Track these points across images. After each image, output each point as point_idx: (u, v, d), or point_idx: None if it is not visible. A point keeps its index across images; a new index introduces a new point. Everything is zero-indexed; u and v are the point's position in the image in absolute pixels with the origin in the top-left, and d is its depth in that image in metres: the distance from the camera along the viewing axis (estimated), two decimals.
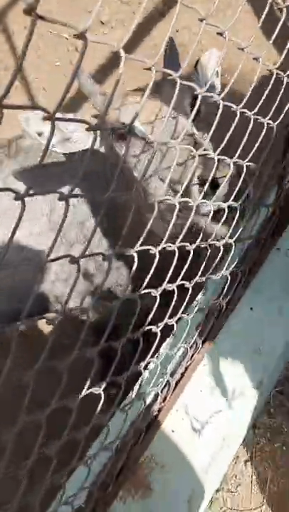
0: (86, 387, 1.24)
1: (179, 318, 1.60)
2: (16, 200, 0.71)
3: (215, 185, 1.40)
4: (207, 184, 1.36)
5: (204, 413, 1.84)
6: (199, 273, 1.56)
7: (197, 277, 1.57)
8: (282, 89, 1.53)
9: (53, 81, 4.02)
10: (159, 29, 4.17)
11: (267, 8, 1.18)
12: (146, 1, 4.18)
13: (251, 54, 1.26)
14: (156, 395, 1.66)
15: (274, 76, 1.43)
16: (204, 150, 1.35)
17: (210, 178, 1.36)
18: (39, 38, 4.21)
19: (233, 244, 1.66)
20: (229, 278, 1.78)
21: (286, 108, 1.55)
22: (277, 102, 1.46)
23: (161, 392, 1.69)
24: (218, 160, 1.35)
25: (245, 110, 1.34)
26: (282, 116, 1.51)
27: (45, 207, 1.91)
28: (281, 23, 1.28)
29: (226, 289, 1.82)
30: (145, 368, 1.51)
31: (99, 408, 1.33)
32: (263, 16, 1.22)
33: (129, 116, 1.58)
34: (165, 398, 1.74)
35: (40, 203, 1.90)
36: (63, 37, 4.20)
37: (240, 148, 1.37)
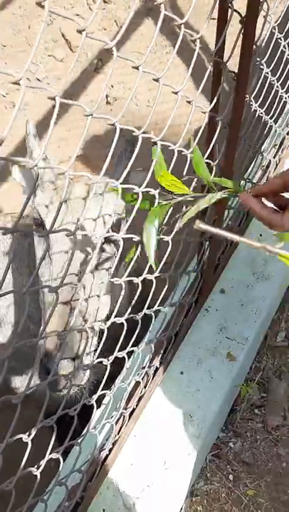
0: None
1: (102, 396, 1.57)
2: None
3: None
4: None
5: (137, 488, 1.79)
6: (117, 348, 1.54)
7: (116, 352, 1.54)
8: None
9: None
10: (94, 84, 4.25)
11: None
12: (81, 57, 4.24)
13: (185, 97, 1.30)
14: (82, 476, 1.60)
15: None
16: None
17: None
18: None
19: (153, 315, 1.66)
20: (153, 347, 1.77)
21: None
22: None
23: (87, 472, 1.63)
24: None
25: None
26: None
27: None
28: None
29: (150, 358, 1.80)
30: (64, 452, 1.47)
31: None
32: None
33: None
34: (92, 477, 1.68)
35: None
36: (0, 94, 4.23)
37: None
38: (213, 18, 3.81)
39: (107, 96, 4.20)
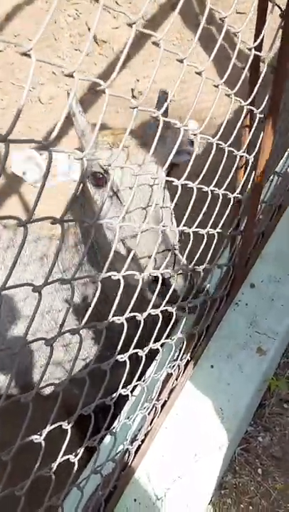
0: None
1: (135, 387, 1.59)
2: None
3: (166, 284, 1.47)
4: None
5: (168, 479, 1.81)
6: (152, 339, 1.55)
7: (150, 344, 1.56)
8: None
9: (18, 133, 4.04)
10: (119, 78, 4.26)
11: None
12: (107, 52, 4.26)
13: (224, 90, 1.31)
14: (115, 466, 1.62)
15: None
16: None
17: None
18: (1, 90, 4.27)
19: (187, 308, 1.67)
20: (185, 340, 1.78)
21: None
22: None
23: (120, 461, 1.66)
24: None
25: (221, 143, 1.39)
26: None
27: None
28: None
29: (182, 350, 1.81)
30: (100, 442, 1.49)
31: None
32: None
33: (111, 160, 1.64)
34: (125, 467, 1.70)
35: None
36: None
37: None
38: (240, 13, 3.75)
39: (132, 90, 4.21)
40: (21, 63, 4.26)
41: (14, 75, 4.27)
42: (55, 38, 4.45)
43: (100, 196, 1.67)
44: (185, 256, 1.50)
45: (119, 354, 1.40)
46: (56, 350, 2.04)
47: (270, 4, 1.41)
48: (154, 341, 1.56)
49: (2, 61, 4.30)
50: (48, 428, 1.16)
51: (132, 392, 1.56)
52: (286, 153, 2.25)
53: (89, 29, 4.38)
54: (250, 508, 1.98)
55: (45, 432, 1.16)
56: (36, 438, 1.15)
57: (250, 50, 1.42)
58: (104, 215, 1.63)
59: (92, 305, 1.18)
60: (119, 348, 1.36)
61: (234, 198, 1.68)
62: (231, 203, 1.68)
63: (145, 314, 1.42)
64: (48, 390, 1.91)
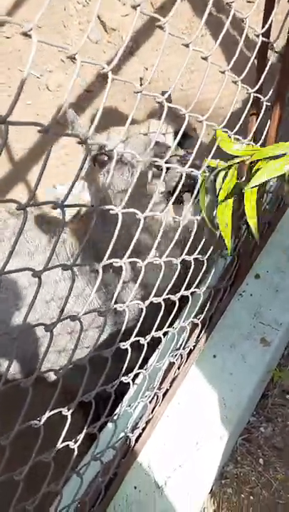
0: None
1: (136, 375, 1.59)
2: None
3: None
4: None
5: (168, 467, 1.81)
6: (154, 328, 1.55)
7: (152, 332, 1.56)
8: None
9: (24, 120, 4.02)
10: (128, 66, 4.23)
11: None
12: (116, 40, 4.22)
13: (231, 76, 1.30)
14: (116, 453, 1.62)
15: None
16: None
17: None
18: (9, 78, 4.25)
19: (190, 296, 1.66)
20: (188, 329, 1.77)
21: None
22: None
23: (121, 448, 1.66)
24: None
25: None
26: None
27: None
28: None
29: (184, 340, 1.81)
30: (100, 429, 1.49)
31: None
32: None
33: (112, 143, 1.66)
34: (125, 454, 1.70)
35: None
36: (34, 76, 4.23)
37: None
38: (250, 1, 3.71)
39: (141, 78, 4.18)
40: (29, 50, 4.24)
41: (22, 61, 4.24)
42: (64, 25, 4.42)
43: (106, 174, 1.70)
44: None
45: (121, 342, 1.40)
46: (61, 338, 2.05)
47: None
48: (157, 330, 1.56)
49: (10, 48, 4.28)
50: (48, 414, 1.16)
51: (133, 380, 1.56)
52: None
53: (98, 17, 4.34)
54: (251, 498, 1.98)
55: (44, 417, 1.16)
56: (36, 423, 1.16)
57: (257, 36, 1.40)
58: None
59: (94, 290, 1.17)
60: (120, 334, 1.36)
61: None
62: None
63: (147, 302, 1.41)
64: (53, 376, 1.91)
